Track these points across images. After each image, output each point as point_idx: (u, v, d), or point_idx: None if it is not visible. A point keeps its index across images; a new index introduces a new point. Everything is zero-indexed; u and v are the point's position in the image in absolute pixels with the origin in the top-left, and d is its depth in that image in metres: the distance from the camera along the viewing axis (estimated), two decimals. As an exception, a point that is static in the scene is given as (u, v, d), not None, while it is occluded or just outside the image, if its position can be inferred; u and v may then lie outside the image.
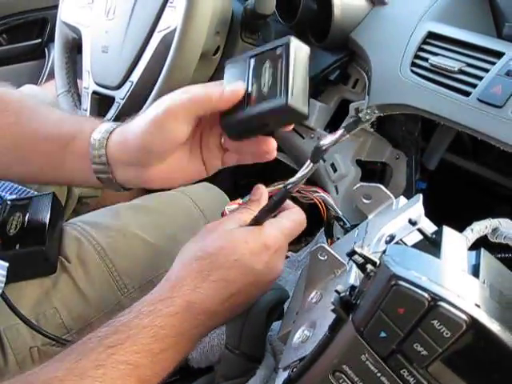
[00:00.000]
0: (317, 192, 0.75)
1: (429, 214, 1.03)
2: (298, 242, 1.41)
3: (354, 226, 0.73)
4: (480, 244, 0.70)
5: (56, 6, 1.36)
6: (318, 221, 0.81)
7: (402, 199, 0.66)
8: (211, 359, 0.88)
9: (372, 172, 1.13)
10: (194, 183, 1.09)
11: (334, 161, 1.12)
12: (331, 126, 1.18)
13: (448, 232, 0.53)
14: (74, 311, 0.91)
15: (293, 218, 0.72)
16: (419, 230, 0.53)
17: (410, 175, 1.06)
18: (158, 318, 0.62)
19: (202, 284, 0.65)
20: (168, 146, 0.73)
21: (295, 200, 0.75)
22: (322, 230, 1.08)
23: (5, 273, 0.85)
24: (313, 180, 1.25)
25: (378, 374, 0.47)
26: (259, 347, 0.79)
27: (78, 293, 0.92)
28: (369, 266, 0.47)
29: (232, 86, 0.70)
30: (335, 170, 1.13)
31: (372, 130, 1.05)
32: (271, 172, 1.30)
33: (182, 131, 0.72)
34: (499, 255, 0.87)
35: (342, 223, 0.75)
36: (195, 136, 0.76)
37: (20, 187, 1.15)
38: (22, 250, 0.87)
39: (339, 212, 0.75)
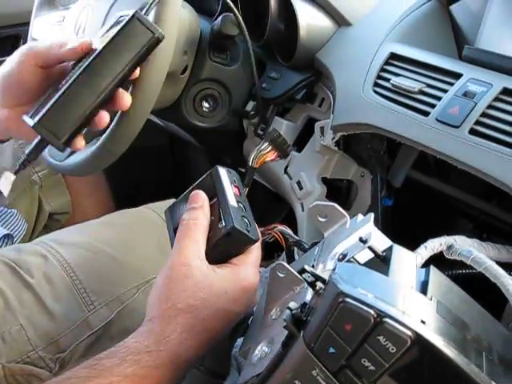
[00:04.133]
0: (276, 227, 0.79)
1: (394, 230, 1.04)
2: (270, 258, 1.42)
3: (314, 245, 0.74)
4: (444, 261, 0.72)
5: (29, 23, 1.36)
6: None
7: (360, 217, 0.68)
8: (177, 376, 0.89)
9: (337, 189, 1.15)
10: (162, 200, 1.10)
11: (300, 178, 1.14)
12: (298, 144, 1.20)
13: (397, 250, 0.55)
14: (40, 328, 0.91)
15: (258, 245, 0.74)
16: (369, 248, 0.55)
17: (375, 193, 1.08)
18: (142, 369, 0.63)
19: (188, 337, 0.66)
20: (22, 88, 0.83)
21: None
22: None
23: None
24: (278, 197, 1.27)
25: (329, 389, 0.48)
26: (224, 363, 0.80)
27: (44, 310, 0.92)
28: (318, 284, 0.48)
29: (79, 40, 0.80)
30: (301, 188, 1.14)
31: (336, 148, 1.07)
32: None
33: (34, 73, 0.81)
34: (461, 271, 0.89)
35: (301, 247, 0.77)
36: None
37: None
38: None
39: (296, 237, 0.78)
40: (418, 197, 1.15)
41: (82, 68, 0.76)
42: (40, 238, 1.06)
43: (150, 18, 0.92)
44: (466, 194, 1.02)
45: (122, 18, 0.79)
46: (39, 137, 0.78)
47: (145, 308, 0.71)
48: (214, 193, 0.74)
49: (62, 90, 0.76)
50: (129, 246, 1.03)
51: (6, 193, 0.82)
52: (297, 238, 0.79)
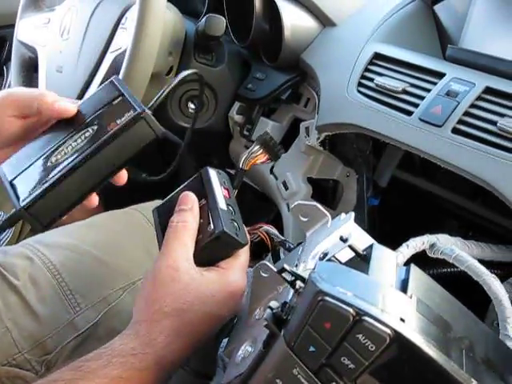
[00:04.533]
0: (261, 227, 0.79)
1: (381, 230, 1.05)
2: (256, 258, 1.42)
3: (300, 245, 0.75)
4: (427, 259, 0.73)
5: (14, 25, 1.36)
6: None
7: (343, 216, 0.68)
8: (163, 376, 0.88)
9: (323, 189, 1.15)
10: (149, 200, 1.10)
11: (286, 178, 1.15)
12: (284, 144, 1.20)
13: (378, 248, 0.55)
14: (26, 330, 0.90)
15: (246, 249, 0.74)
16: (350, 247, 0.55)
17: (360, 192, 1.08)
18: (127, 371, 0.62)
19: (174, 340, 0.66)
20: None
21: None
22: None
23: None
24: (266, 197, 1.27)
25: (310, 388, 0.48)
26: (210, 363, 0.79)
27: (30, 312, 0.91)
28: (298, 283, 0.48)
29: (66, 103, 0.77)
30: (287, 188, 1.15)
31: (321, 148, 1.07)
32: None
33: (9, 122, 0.77)
34: (445, 270, 0.90)
35: (286, 246, 0.77)
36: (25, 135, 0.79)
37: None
38: None
39: (281, 237, 0.78)
40: (404, 196, 1.15)
41: (78, 160, 0.72)
42: (26, 240, 1.05)
43: (134, 18, 0.93)
44: (451, 193, 1.02)
45: (120, 100, 0.75)
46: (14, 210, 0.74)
47: (131, 309, 0.71)
48: (204, 194, 0.73)
49: (54, 178, 0.72)
50: (115, 248, 1.02)
51: None
52: (282, 237, 0.80)
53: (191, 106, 1.21)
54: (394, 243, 0.65)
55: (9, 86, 1.72)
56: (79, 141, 0.73)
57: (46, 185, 0.71)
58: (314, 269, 0.48)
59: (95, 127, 0.73)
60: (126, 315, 0.96)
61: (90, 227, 1.08)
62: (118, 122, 0.72)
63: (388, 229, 1.08)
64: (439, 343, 0.47)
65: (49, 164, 0.73)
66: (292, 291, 0.60)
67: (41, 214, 0.73)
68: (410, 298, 0.50)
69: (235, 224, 0.71)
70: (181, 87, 1.18)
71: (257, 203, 1.51)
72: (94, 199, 0.77)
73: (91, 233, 1.05)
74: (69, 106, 0.76)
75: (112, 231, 1.07)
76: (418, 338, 0.45)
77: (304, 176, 1.13)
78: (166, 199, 0.78)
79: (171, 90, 1.16)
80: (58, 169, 0.72)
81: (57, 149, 0.74)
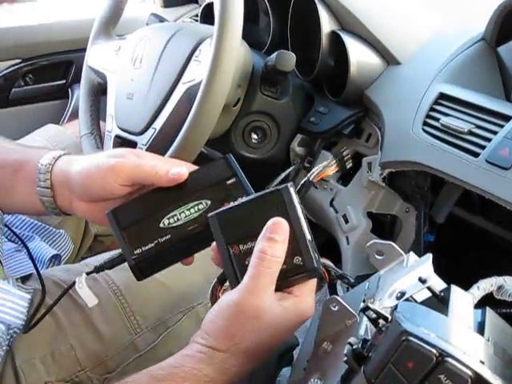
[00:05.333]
0: None
1: (436, 266, 1.05)
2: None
3: (358, 278, 0.76)
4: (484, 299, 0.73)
5: (80, 50, 1.41)
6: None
7: (412, 255, 0.69)
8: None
9: (382, 224, 1.16)
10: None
11: (346, 212, 1.16)
12: (344, 178, 1.22)
13: (455, 290, 0.57)
14: (89, 349, 0.93)
15: None
16: (428, 288, 0.56)
17: (418, 228, 1.09)
18: None
19: (245, 368, 0.68)
20: (102, 195, 0.81)
21: None
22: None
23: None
24: (325, 229, 1.28)
25: (388, 425, 0.49)
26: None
27: (94, 331, 0.94)
28: (381, 321, 0.50)
29: (178, 168, 0.79)
30: (347, 221, 1.16)
31: (383, 184, 1.09)
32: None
33: (119, 189, 0.80)
34: (504, 310, 0.89)
35: (345, 281, 0.78)
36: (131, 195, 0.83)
37: (39, 223, 1.18)
38: None
39: (339, 271, 0.79)
40: (461, 233, 1.15)
41: (191, 231, 0.78)
42: (88, 260, 1.09)
43: (210, 52, 0.96)
44: (510, 232, 1.02)
45: (234, 181, 0.80)
46: (121, 251, 0.81)
47: (189, 334, 0.72)
48: (287, 217, 0.69)
49: (167, 241, 0.78)
50: (175, 271, 1.03)
51: (89, 302, 0.85)
52: (340, 271, 0.81)
53: (254, 136, 1.23)
54: (448, 280, 0.66)
55: (74, 108, 1.78)
56: (192, 211, 0.79)
57: (159, 246, 0.78)
58: (396, 308, 0.49)
59: (208, 202, 0.78)
60: (184, 340, 0.98)
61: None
62: (231, 204, 0.74)
63: (443, 266, 1.09)
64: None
65: (161, 225, 0.79)
66: (363, 326, 0.61)
67: (146, 269, 0.81)
68: (488, 340, 0.51)
69: (316, 255, 0.70)
70: (245, 118, 1.21)
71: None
72: (192, 259, 0.84)
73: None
74: (180, 175, 0.79)
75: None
76: (498, 381, 0.46)
77: (364, 210, 1.15)
78: (231, 206, 0.73)
79: (236, 120, 1.20)
80: (170, 233, 0.78)
81: (169, 212, 0.79)
